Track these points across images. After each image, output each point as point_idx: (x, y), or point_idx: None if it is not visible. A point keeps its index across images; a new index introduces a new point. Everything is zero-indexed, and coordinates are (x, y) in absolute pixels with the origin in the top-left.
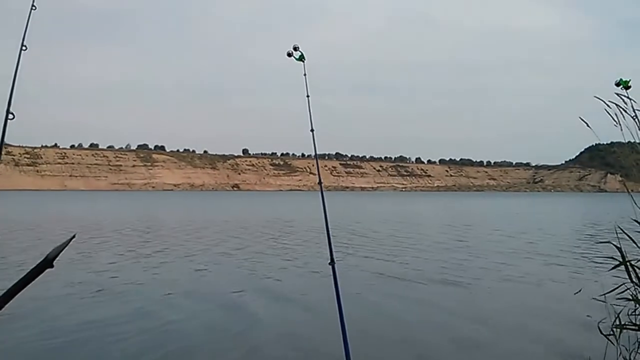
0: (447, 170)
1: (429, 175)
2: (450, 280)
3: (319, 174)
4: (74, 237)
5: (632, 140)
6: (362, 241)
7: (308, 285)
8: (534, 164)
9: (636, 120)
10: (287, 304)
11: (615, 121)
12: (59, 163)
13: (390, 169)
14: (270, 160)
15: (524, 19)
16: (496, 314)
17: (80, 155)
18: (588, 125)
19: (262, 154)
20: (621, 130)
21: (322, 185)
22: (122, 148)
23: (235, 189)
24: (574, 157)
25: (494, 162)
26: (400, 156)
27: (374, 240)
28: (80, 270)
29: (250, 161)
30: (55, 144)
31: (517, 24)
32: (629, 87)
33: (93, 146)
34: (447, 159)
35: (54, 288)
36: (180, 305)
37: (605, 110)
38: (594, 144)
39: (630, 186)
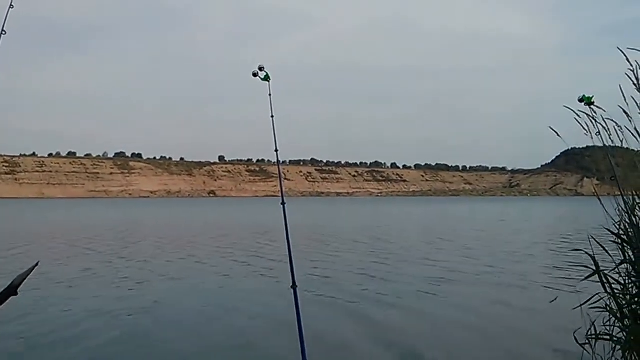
0: (422, 175)
1: (405, 180)
2: (423, 292)
3: (282, 194)
4: (37, 264)
5: (606, 144)
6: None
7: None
8: (510, 169)
9: (606, 129)
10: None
11: (585, 129)
12: (37, 171)
13: (366, 174)
14: (246, 166)
15: (499, 25)
16: (472, 324)
17: (58, 163)
18: (558, 135)
19: (238, 160)
20: (592, 138)
21: (297, 192)
22: (99, 156)
23: (211, 195)
24: (550, 161)
25: (470, 167)
26: (376, 161)
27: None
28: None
29: (226, 167)
30: (34, 153)
31: (492, 30)
32: (592, 102)
33: (71, 154)
34: (423, 163)
35: None
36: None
37: (575, 119)
38: (570, 148)
39: (607, 189)
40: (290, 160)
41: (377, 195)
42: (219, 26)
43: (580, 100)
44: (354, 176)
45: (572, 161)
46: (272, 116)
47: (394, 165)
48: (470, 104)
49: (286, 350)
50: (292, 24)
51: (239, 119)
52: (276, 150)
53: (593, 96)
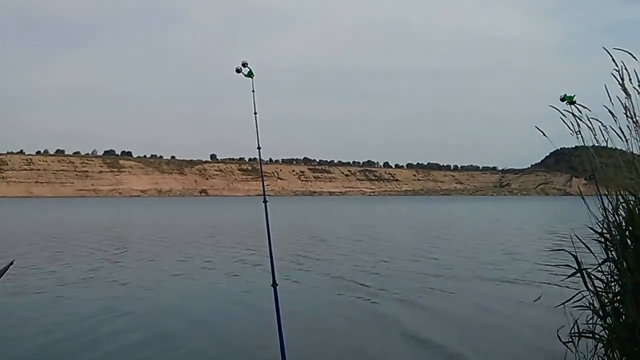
0: (414, 175)
1: (397, 180)
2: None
3: (264, 192)
4: (12, 263)
5: (593, 144)
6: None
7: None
8: (500, 168)
9: (591, 128)
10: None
11: (571, 129)
12: (25, 169)
13: (358, 173)
14: (238, 165)
15: (494, 27)
16: (454, 322)
17: (46, 161)
18: (544, 134)
19: (230, 159)
20: (577, 138)
21: (290, 191)
22: (88, 154)
23: (203, 194)
24: (539, 161)
25: (461, 166)
26: (369, 161)
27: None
28: None
29: (218, 166)
30: (21, 151)
31: (487, 31)
32: (574, 102)
33: (59, 152)
34: (415, 163)
35: None
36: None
37: (561, 119)
38: (559, 148)
39: (594, 189)
40: (283, 159)
41: (370, 195)
42: (214, 23)
43: (562, 100)
44: (347, 175)
45: (561, 161)
46: (255, 113)
47: (386, 165)
48: (466, 105)
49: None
50: (288, 23)
51: (232, 117)
52: (258, 148)
53: (574, 95)
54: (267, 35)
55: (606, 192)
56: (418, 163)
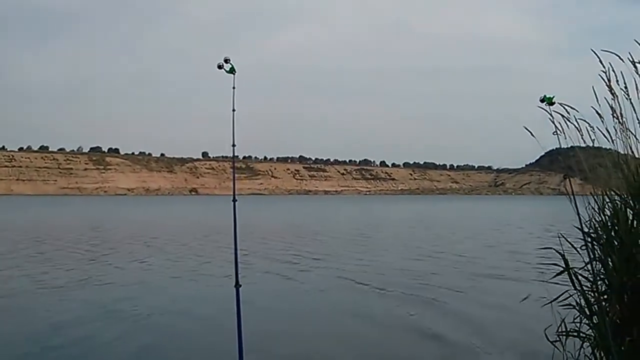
0: (410, 174)
1: (393, 179)
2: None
3: (234, 190)
4: None
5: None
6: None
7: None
8: (495, 168)
9: (579, 129)
10: None
11: (559, 130)
12: (6, 166)
13: (354, 172)
14: (230, 163)
15: (492, 27)
16: (443, 321)
17: (28, 158)
18: (532, 135)
19: (222, 157)
20: (564, 138)
21: (284, 190)
22: (73, 151)
23: (193, 193)
24: (534, 160)
25: (457, 166)
26: (365, 159)
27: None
28: None
29: (210, 164)
30: (3, 147)
31: (486, 32)
32: (553, 103)
33: (43, 149)
34: (411, 162)
35: None
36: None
37: (549, 119)
38: (554, 148)
39: (589, 189)
40: (277, 158)
41: (365, 194)
42: (206, 18)
43: (542, 100)
44: (343, 174)
45: (556, 161)
46: (234, 110)
47: (382, 164)
48: (462, 104)
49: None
50: (284, 21)
51: (224, 113)
52: (233, 145)
53: (554, 96)
54: (263, 32)
55: (593, 192)
56: (414, 162)
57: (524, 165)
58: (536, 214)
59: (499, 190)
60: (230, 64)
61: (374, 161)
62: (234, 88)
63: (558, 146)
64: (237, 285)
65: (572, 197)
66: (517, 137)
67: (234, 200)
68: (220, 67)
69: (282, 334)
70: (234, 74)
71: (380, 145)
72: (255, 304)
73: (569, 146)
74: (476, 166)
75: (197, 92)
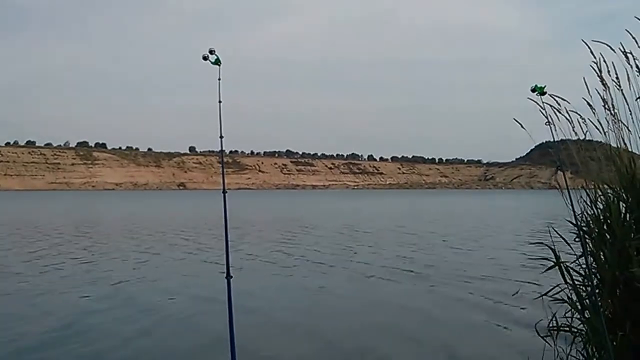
0: (399, 168)
1: (381, 173)
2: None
3: (223, 182)
4: None
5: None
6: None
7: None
8: (485, 162)
9: (570, 121)
10: None
11: (549, 121)
12: None
13: (342, 166)
14: (218, 158)
15: (479, 18)
16: (435, 314)
17: (15, 153)
18: (522, 127)
19: (209, 151)
20: (555, 130)
21: (271, 184)
22: (60, 146)
23: (181, 187)
24: (524, 154)
25: (446, 160)
26: (353, 153)
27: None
28: None
29: (197, 159)
30: None
31: (472, 23)
32: (545, 93)
33: (30, 144)
34: (400, 156)
35: None
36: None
37: (540, 111)
38: (545, 142)
39: (580, 182)
40: (265, 152)
41: (354, 188)
42: (191, 11)
43: (533, 90)
44: (330, 168)
45: (546, 154)
46: (220, 101)
47: (370, 158)
48: (451, 97)
49: None
50: (269, 15)
51: (210, 106)
52: (221, 137)
53: (545, 86)
54: (249, 25)
55: (585, 186)
56: (403, 156)
57: (514, 159)
58: (527, 208)
59: (489, 184)
60: (216, 55)
61: (362, 155)
62: (219, 79)
63: (549, 139)
64: (229, 276)
65: (565, 190)
66: (507, 131)
67: (224, 192)
68: (205, 58)
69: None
70: (219, 65)
71: (368, 139)
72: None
73: (560, 139)
74: (466, 160)
75: (183, 85)
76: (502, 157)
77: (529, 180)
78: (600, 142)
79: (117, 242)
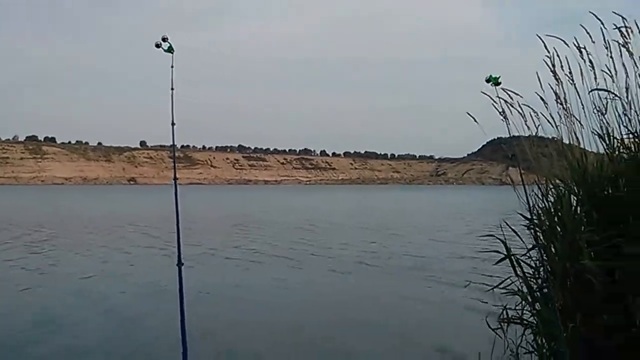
0: (351, 163)
1: (334, 168)
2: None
3: (174, 170)
4: None
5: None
6: None
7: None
8: (437, 157)
9: (522, 115)
10: None
11: (502, 116)
12: None
13: (294, 161)
14: (169, 152)
15: (444, 16)
16: (386, 304)
17: None
18: (475, 120)
19: (160, 146)
20: (508, 125)
21: (223, 179)
22: (8, 140)
23: (131, 182)
24: (476, 150)
25: (398, 155)
26: (305, 149)
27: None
28: None
29: (148, 154)
30: None
31: (433, 21)
32: (499, 83)
33: None
34: (352, 151)
35: None
36: None
37: (493, 105)
38: (496, 138)
39: (532, 178)
40: (217, 147)
41: (306, 184)
42: (146, 4)
43: (487, 81)
44: (283, 164)
45: (498, 150)
46: (172, 89)
47: (323, 153)
48: (403, 92)
49: None
50: (221, 13)
51: (162, 100)
52: (172, 124)
53: (499, 76)
54: (203, 23)
55: (536, 181)
56: (355, 152)
57: (465, 155)
58: (478, 203)
59: (440, 180)
60: (169, 42)
61: (314, 150)
62: (172, 67)
63: (501, 135)
64: (180, 263)
65: (518, 184)
66: (459, 127)
67: (175, 179)
68: (158, 45)
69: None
70: (172, 53)
71: (320, 134)
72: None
73: (512, 135)
74: (417, 156)
75: (135, 79)
76: (454, 153)
77: (479, 176)
78: (553, 137)
79: (70, 237)
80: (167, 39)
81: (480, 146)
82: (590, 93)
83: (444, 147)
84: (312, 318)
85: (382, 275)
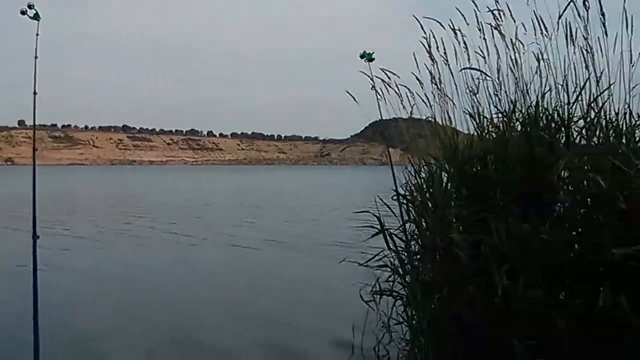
0: (238, 144)
1: (221, 149)
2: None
3: (34, 145)
4: None
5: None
6: None
7: None
8: (322, 138)
9: (399, 94)
10: None
11: (379, 95)
12: None
13: (181, 142)
14: (49, 132)
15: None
16: (259, 281)
17: None
18: (355, 99)
19: (41, 125)
20: (385, 103)
21: (106, 159)
22: None
23: (9, 163)
24: (359, 131)
25: (285, 136)
26: (192, 129)
27: None
28: None
29: (26, 133)
30: None
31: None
32: (373, 59)
33: None
34: (239, 132)
35: None
36: None
37: (370, 83)
38: (378, 119)
39: (410, 158)
40: (100, 126)
41: (192, 164)
42: None
43: (362, 57)
44: (169, 144)
45: (379, 132)
46: (36, 57)
47: (210, 134)
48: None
49: None
50: None
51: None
52: (34, 93)
53: (373, 52)
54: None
55: (411, 159)
56: (242, 132)
57: (349, 136)
58: (355, 182)
59: (324, 161)
60: (35, 9)
61: (201, 131)
62: (37, 35)
63: (383, 118)
64: (35, 236)
65: (399, 164)
66: (344, 109)
67: (34, 150)
68: (23, 12)
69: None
70: (38, 20)
71: (207, 115)
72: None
73: (393, 117)
74: (303, 137)
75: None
76: (339, 135)
77: (362, 156)
78: (427, 117)
79: None
80: (33, 5)
81: (363, 127)
82: (462, 72)
83: (329, 128)
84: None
85: (254, 253)
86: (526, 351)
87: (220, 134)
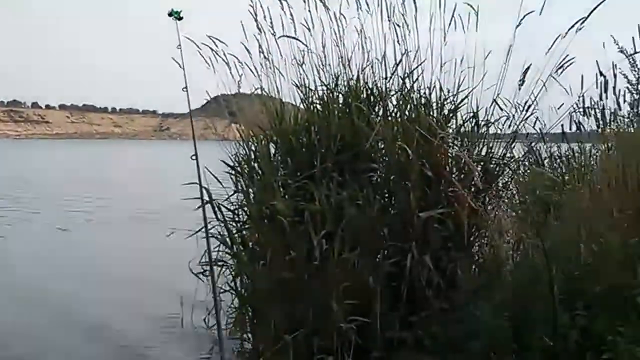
0: (67, 117)
1: (48, 122)
2: None
3: None
4: None
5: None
6: None
7: None
8: (161, 112)
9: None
10: None
11: (207, 64)
12: None
13: (1, 114)
14: None
15: None
16: (82, 261)
17: None
18: (181, 66)
19: None
20: (214, 73)
21: None
22: None
23: None
24: (200, 106)
25: (120, 109)
26: (14, 100)
27: None
28: None
29: None
30: None
31: None
32: (181, 18)
33: None
34: (69, 104)
35: None
36: None
37: (198, 52)
38: (220, 94)
39: (246, 131)
40: None
41: (15, 138)
42: None
43: (170, 15)
44: None
45: (221, 107)
46: None
47: (35, 105)
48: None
49: None
50: None
51: None
52: None
53: (181, 10)
54: None
55: (242, 132)
56: (72, 104)
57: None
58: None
59: (164, 135)
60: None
61: (25, 102)
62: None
63: (224, 93)
64: None
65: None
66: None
67: None
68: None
69: None
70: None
71: (32, 84)
72: None
73: (234, 93)
74: (141, 110)
75: None
76: (179, 109)
77: (203, 131)
78: (257, 88)
79: None
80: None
81: (205, 102)
82: (290, 43)
83: (169, 102)
84: None
85: (79, 228)
86: (343, 311)
87: (47, 106)
